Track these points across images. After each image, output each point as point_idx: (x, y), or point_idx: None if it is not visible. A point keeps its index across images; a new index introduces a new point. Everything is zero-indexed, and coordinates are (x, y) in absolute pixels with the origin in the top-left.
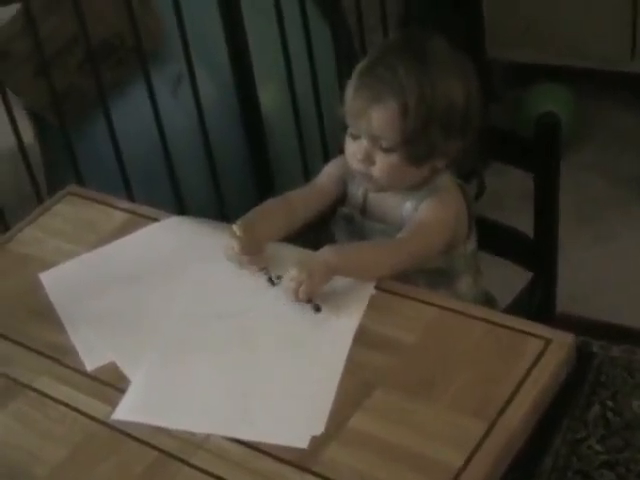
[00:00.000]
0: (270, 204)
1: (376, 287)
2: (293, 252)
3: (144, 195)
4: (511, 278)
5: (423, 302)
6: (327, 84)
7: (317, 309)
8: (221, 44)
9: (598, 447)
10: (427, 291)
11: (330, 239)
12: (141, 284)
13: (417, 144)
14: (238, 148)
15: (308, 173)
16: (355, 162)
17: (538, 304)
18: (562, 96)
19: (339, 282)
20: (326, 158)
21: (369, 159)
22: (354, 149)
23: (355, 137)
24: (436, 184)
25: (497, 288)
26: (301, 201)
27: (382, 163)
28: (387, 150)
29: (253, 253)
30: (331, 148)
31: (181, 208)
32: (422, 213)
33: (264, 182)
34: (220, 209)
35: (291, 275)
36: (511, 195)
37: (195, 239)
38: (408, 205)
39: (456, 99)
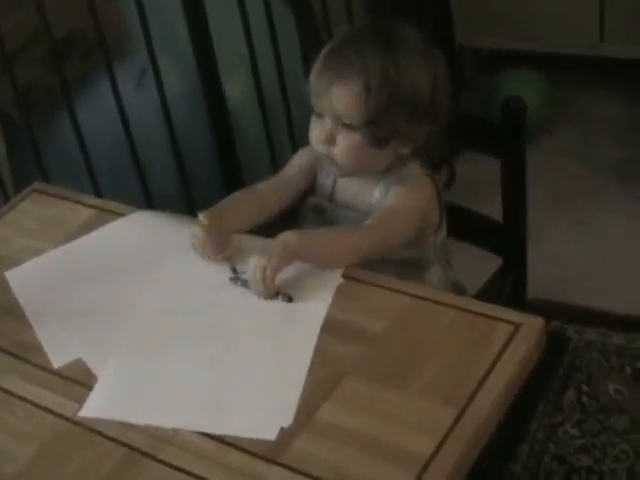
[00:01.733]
0: (238, 195)
1: (344, 276)
2: (259, 243)
3: (112, 190)
4: (484, 266)
5: (392, 290)
6: (294, 74)
7: (289, 299)
8: (185, 35)
9: (574, 431)
10: (396, 279)
11: (302, 227)
12: (108, 280)
13: (379, 125)
14: (205, 140)
15: (276, 164)
16: (318, 144)
17: (509, 290)
18: (533, 81)
19: (306, 272)
20: (294, 148)
21: (331, 139)
22: (318, 130)
23: (319, 116)
24: (405, 173)
25: (469, 276)
26: (270, 192)
27: (344, 143)
28: (349, 128)
29: (218, 243)
30: (299, 138)
31: (149, 202)
32: (390, 200)
33: (232, 174)
34: (188, 202)
35: (252, 264)
36: (484, 182)
37: (162, 233)
38: (376, 191)
39: (422, 85)
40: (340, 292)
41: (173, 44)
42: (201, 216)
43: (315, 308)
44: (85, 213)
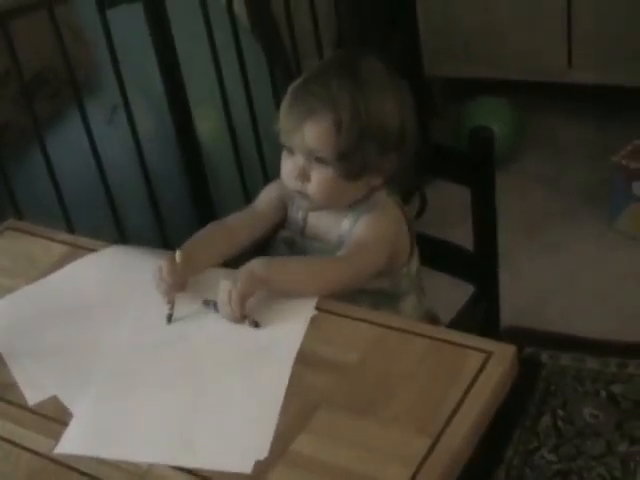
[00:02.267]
0: (209, 230)
1: (317, 308)
2: (228, 274)
3: (85, 227)
4: (457, 294)
5: (364, 321)
6: (265, 111)
7: (255, 325)
8: (156, 73)
9: (551, 457)
10: (368, 310)
11: None
12: (80, 316)
13: (351, 159)
14: (177, 177)
15: (249, 197)
16: (291, 180)
17: (482, 318)
18: (502, 108)
19: (278, 304)
20: (266, 181)
21: (304, 175)
22: (290, 167)
23: (290, 152)
24: (373, 201)
25: (442, 304)
26: (241, 226)
27: (317, 178)
28: (321, 163)
29: (183, 280)
30: (271, 174)
31: (122, 238)
32: (359, 231)
33: (205, 210)
34: (161, 239)
35: (220, 288)
36: (454, 209)
37: (133, 268)
38: (345, 223)
39: (390, 117)
40: (313, 323)
41: (144, 81)
42: (177, 254)
43: (288, 340)
44: (58, 249)
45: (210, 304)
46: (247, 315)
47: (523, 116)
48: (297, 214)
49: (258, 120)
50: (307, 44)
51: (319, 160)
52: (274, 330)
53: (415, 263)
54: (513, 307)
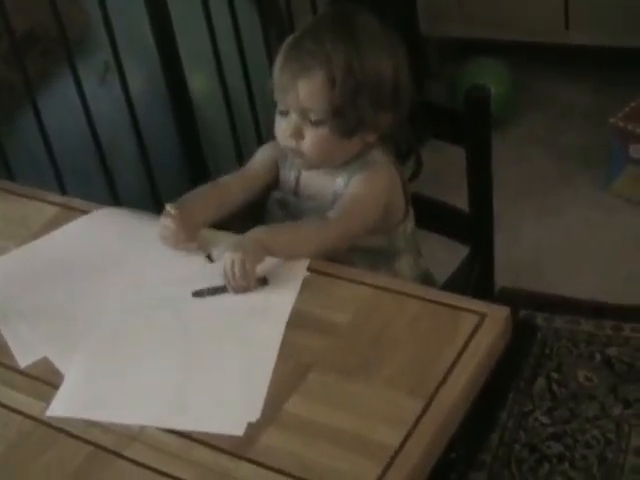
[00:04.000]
0: (203, 188)
1: (309, 269)
2: (227, 237)
3: (77, 187)
4: (452, 254)
5: (356, 282)
6: (259, 70)
7: (264, 282)
8: (148, 30)
9: (544, 419)
10: (361, 271)
11: (267, 221)
12: (73, 277)
13: (346, 116)
14: (170, 135)
15: (242, 158)
16: (285, 139)
17: (477, 278)
18: (498, 70)
19: (270, 266)
20: (260, 142)
21: (298, 134)
22: (284, 126)
23: (284, 113)
24: (367, 159)
25: (438, 265)
26: (234, 185)
27: (312, 136)
28: (316, 123)
29: (189, 232)
30: (264, 132)
31: (115, 198)
32: (352, 188)
33: (198, 169)
34: (154, 198)
35: (225, 256)
36: (450, 170)
37: (127, 229)
38: (339, 181)
39: (384, 73)
40: (305, 285)
41: (136, 40)
42: (169, 207)
43: (281, 302)
44: (50, 211)
45: (204, 292)
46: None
47: (519, 78)
48: (290, 174)
49: (252, 80)
50: (301, 2)
51: (314, 121)
52: (267, 293)
53: (410, 223)
54: (509, 269)
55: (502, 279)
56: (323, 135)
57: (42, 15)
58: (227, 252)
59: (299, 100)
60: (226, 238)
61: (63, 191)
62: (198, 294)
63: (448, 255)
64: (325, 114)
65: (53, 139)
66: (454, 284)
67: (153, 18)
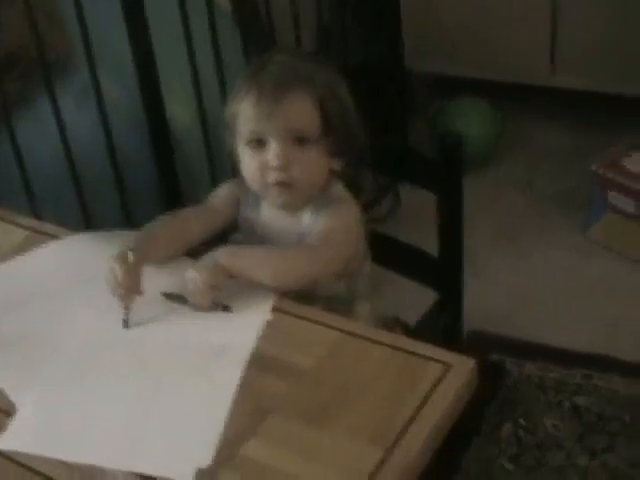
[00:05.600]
0: (162, 223)
1: (273, 308)
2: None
3: (51, 209)
4: (422, 296)
5: (322, 324)
6: None
7: (226, 309)
8: (129, 57)
9: (510, 466)
10: (327, 313)
11: None
12: (34, 306)
13: (337, 133)
14: (146, 160)
15: (216, 183)
16: (266, 173)
17: (445, 325)
18: (481, 109)
19: (234, 301)
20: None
21: (288, 162)
22: (262, 159)
23: (260, 144)
24: (330, 195)
25: (407, 307)
26: (194, 219)
27: (303, 161)
28: (307, 143)
29: (136, 282)
30: None
31: (87, 223)
32: (324, 223)
33: (172, 197)
34: (127, 221)
35: (187, 279)
36: (428, 210)
37: (94, 257)
38: (305, 219)
39: (348, 99)
40: (269, 324)
41: (117, 63)
42: (130, 254)
43: (242, 341)
44: (19, 235)
45: (172, 297)
46: (216, 302)
47: (503, 118)
48: (250, 214)
49: None
50: (287, 34)
51: (301, 141)
52: (228, 330)
53: (368, 265)
54: (480, 311)
55: (472, 322)
56: (315, 157)
57: (25, 38)
58: (188, 270)
59: (286, 122)
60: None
61: (36, 212)
62: (167, 296)
63: (419, 296)
64: (317, 133)
65: (29, 160)
66: (421, 329)
67: (134, 41)
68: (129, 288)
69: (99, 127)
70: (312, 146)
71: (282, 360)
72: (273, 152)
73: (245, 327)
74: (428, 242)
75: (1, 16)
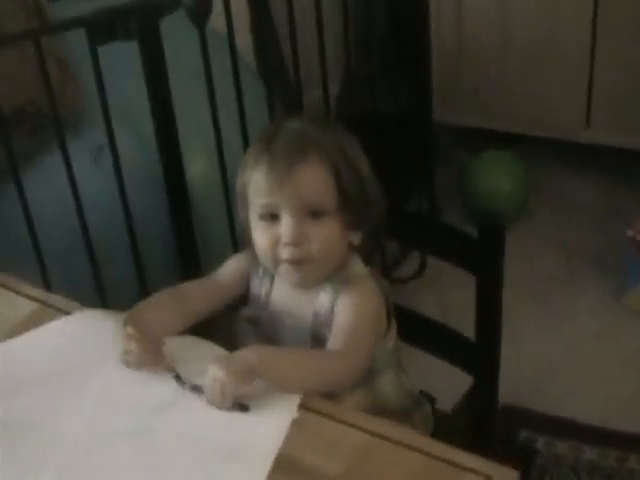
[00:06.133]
0: (160, 297)
1: (300, 405)
2: (198, 345)
3: (62, 273)
4: (457, 377)
5: (352, 425)
6: None
7: (243, 409)
8: (146, 114)
9: None
10: (357, 412)
11: (236, 340)
12: (35, 396)
13: (354, 204)
14: (163, 222)
15: (237, 248)
16: (281, 249)
17: (480, 409)
18: (511, 163)
19: (259, 397)
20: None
21: (303, 237)
22: (273, 235)
23: (273, 218)
24: (348, 272)
25: (442, 387)
26: (196, 294)
27: (320, 235)
28: (323, 216)
29: (154, 354)
30: None
31: (100, 289)
32: (345, 317)
33: (189, 258)
34: (141, 291)
35: (209, 375)
36: (454, 271)
37: (103, 338)
38: (323, 297)
39: (364, 168)
40: (294, 424)
41: (135, 122)
42: (129, 329)
43: (265, 444)
44: (26, 307)
45: (185, 386)
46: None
47: (533, 172)
48: (260, 289)
49: None
50: (313, 85)
51: (316, 214)
52: (249, 431)
53: (392, 338)
54: (511, 382)
55: (503, 392)
56: (332, 231)
57: (35, 91)
58: (212, 365)
59: (299, 193)
60: (196, 347)
61: (46, 280)
62: (179, 381)
63: (453, 375)
64: (333, 204)
65: (39, 222)
66: (457, 413)
67: (154, 99)
68: (153, 362)
69: (112, 187)
70: (328, 219)
71: (307, 464)
72: (286, 227)
73: (270, 426)
74: (452, 304)
75: (9, 69)
